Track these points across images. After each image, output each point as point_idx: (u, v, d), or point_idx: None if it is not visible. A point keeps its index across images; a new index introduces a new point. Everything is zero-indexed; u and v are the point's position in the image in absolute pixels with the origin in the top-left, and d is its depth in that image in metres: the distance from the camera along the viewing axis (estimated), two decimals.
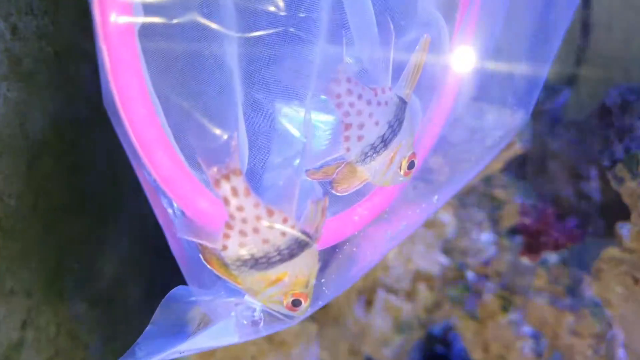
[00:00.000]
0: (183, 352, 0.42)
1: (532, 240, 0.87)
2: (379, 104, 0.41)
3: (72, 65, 0.58)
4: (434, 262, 0.96)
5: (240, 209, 0.37)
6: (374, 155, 0.42)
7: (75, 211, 0.63)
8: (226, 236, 0.38)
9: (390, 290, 0.95)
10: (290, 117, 0.51)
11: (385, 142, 0.42)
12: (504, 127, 0.62)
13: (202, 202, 0.38)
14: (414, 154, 0.45)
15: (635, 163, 0.97)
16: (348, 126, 0.41)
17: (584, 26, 1.62)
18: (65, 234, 0.62)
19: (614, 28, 1.58)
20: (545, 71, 0.51)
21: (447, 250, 0.99)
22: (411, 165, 0.45)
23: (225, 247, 0.38)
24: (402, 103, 0.42)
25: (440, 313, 0.96)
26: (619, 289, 0.99)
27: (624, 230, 0.99)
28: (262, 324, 0.43)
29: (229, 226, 0.38)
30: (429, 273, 0.96)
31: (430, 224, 0.96)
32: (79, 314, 0.65)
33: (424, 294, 0.95)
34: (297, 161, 0.46)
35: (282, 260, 0.39)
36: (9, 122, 0.49)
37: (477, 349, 0.97)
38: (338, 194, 0.43)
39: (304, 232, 0.39)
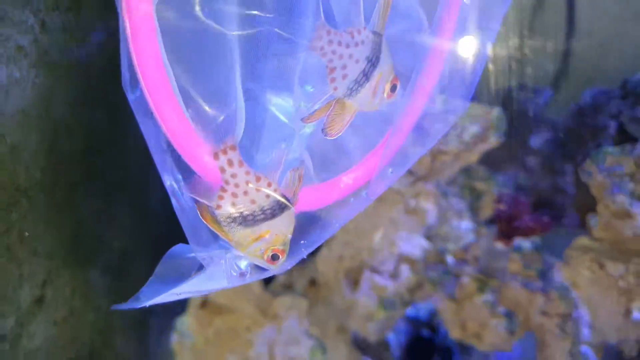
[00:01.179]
0: (180, 294, 0.49)
1: (506, 226, 0.93)
2: (356, 44, 0.47)
3: (91, 56, 0.64)
4: (417, 246, 1.02)
5: (233, 176, 0.44)
6: (359, 88, 0.48)
7: (90, 189, 0.69)
8: (220, 197, 0.44)
9: (376, 271, 1.01)
10: (280, 106, 0.57)
11: (366, 75, 0.48)
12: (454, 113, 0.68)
13: (205, 156, 0.44)
14: (395, 78, 0.50)
15: (603, 158, 1.03)
16: (332, 69, 0.47)
17: (568, 32, 1.68)
18: (81, 208, 0.68)
19: (595, 34, 1.64)
20: (484, 59, 0.57)
21: (428, 236, 1.05)
22: (393, 88, 0.51)
23: (219, 207, 0.44)
24: (378, 37, 0.48)
25: (421, 293, 1.02)
26: (586, 274, 1.05)
27: (593, 221, 1.05)
28: (248, 275, 0.49)
29: (223, 190, 0.44)
30: (412, 256, 1.01)
31: (413, 211, 1.02)
32: (91, 279, 0.72)
33: (407, 275, 1.00)
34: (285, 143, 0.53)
35: (265, 219, 0.45)
36: (36, 105, 0.56)
37: (455, 328, 1.03)
38: (331, 137, 0.49)
39: (284, 196, 0.46)
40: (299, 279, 1.08)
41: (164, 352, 0.90)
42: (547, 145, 1.29)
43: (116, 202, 0.77)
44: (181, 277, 0.50)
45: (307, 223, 0.52)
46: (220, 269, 0.47)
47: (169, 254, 0.49)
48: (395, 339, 1.34)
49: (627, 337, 1.01)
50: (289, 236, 0.47)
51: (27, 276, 0.59)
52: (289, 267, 0.50)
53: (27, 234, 0.55)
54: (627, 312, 1.01)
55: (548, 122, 1.31)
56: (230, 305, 0.93)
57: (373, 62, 0.48)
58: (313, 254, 1.11)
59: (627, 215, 0.96)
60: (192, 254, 0.48)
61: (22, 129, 0.55)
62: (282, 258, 0.47)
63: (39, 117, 0.57)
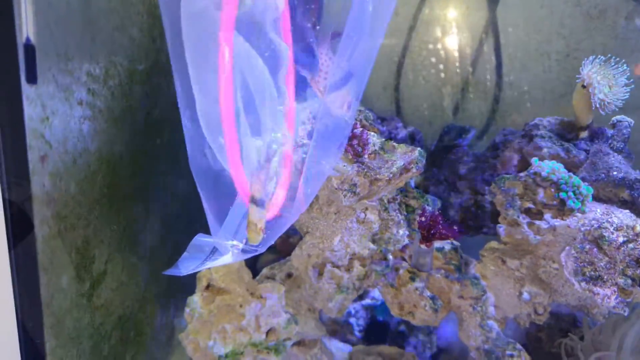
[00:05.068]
0: (204, 268, 0.75)
1: (426, 233, 1.19)
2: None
3: (135, 112, 0.92)
4: (365, 247, 1.28)
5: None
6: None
7: (134, 200, 0.97)
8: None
9: (335, 265, 1.27)
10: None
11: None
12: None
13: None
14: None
15: (503, 182, 1.30)
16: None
17: (497, 84, 1.99)
18: (128, 213, 0.95)
19: (516, 85, 1.95)
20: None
21: (374, 240, 1.31)
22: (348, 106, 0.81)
23: None
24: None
25: (368, 281, 1.28)
26: (492, 268, 1.32)
27: (501, 229, 1.33)
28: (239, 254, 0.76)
29: None
30: (361, 255, 1.28)
31: (362, 221, 1.28)
32: (133, 262, 0.98)
33: (358, 268, 1.27)
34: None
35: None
36: (106, 144, 0.83)
37: (395, 308, 1.29)
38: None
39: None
40: (278, 273, 1.34)
41: (179, 320, 1.16)
42: (471, 172, 1.57)
43: (151, 210, 1.04)
44: (201, 253, 0.76)
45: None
46: (228, 252, 0.74)
47: (195, 239, 0.76)
48: (356, 322, 1.60)
49: (521, 312, 1.28)
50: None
51: (97, 256, 0.86)
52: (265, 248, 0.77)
53: (90, 227, 0.81)
54: (520, 294, 1.28)
55: (472, 155, 1.60)
56: (227, 288, 1.19)
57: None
58: (289, 253, 1.37)
59: (516, 224, 1.24)
60: (209, 240, 0.75)
61: (99, 160, 0.83)
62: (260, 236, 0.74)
63: (108, 154, 0.84)
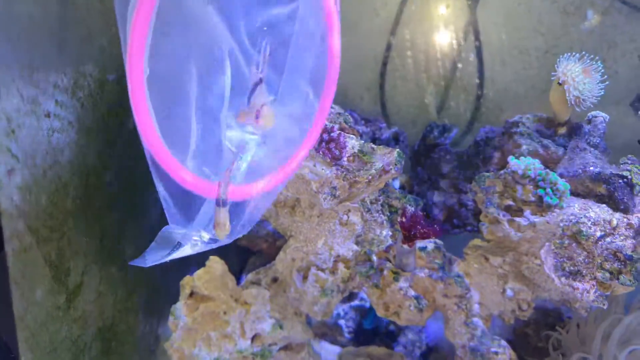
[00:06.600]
0: (169, 259, 0.74)
1: (407, 233, 1.19)
2: None
3: (108, 123, 0.92)
4: (349, 249, 1.27)
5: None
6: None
7: (110, 210, 0.96)
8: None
9: (319, 268, 1.26)
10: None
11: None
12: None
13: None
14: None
15: (483, 180, 1.30)
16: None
17: (479, 81, 1.99)
18: (104, 223, 0.94)
19: (496, 81, 1.95)
20: None
21: (358, 242, 1.31)
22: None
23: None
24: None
25: (353, 283, 1.28)
26: (476, 265, 1.32)
27: (484, 227, 1.33)
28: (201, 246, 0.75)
29: None
30: (345, 257, 1.27)
31: (345, 223, 1.28)
32: (111, 273, 0.97)
33: (342, 270, 1.26)
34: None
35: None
36: (78, 156, 0.83)
37: (380, 309, 1.29)
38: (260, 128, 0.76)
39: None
40: (264, 278, 1.33)
41: (163, 330, 1.15)
42: (453, 171, 1.57)
43: (127, 219, 1.03)
44: (169, 245, 0.75)
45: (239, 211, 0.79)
46: (189, 243, 0.73)
47: (162, 231, 0.75)
48: (345, 324, 1.59)
49: (505, 309, 1.28)
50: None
51: (73, 268, 0.85)
52: (231, 240, 0.77)
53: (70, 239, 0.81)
54: (503, 291, 1.28)
55: (454, 153, 1.60)
56: (210, 295, 1.18)
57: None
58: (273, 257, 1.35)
59: (497, 221, 1.23)
60: (178, 232, 0.74)
61: (70, 172, 0.82)
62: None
63: (79, 164, 0.84)
